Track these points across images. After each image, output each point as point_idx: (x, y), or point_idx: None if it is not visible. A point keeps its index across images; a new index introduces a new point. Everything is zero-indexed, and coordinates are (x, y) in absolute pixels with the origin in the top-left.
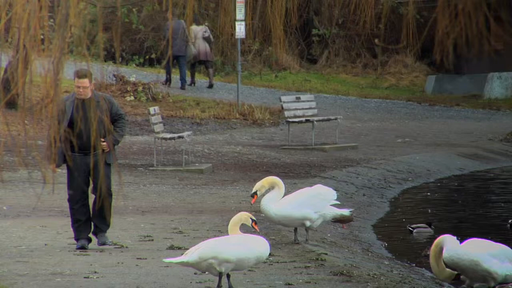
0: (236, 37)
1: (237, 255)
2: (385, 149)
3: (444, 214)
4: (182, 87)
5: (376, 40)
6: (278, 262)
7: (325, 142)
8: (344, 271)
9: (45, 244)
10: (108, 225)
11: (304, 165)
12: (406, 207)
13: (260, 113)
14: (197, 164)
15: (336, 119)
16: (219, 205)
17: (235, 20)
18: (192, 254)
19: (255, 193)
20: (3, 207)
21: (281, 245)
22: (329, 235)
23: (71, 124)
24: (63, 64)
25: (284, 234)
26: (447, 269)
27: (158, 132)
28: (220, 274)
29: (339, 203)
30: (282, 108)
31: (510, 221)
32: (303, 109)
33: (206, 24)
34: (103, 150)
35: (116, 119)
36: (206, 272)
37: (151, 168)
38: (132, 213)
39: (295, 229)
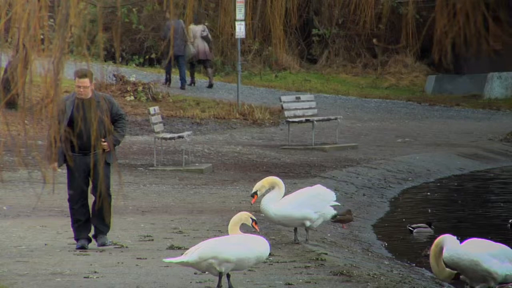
0: (236, 37)
1: (237, 255)
2: (385, 149)
3: (444, 214)
4: (182, 87)
5: (374, 40)
6: (278, 262)
7: (325, 142)
8: (344, 271)
9: (45, 244)
10: (108, 226)
11: (304, 165)
12: (406, 207)
13: (260, 113)
14: (197, 164)
15: (336, 119)
16: (219, 205)
17: (235, 20)
18: (192, 254)
19: (255, 193)
20: (3, 207)
21: (281, 245)
22: (329, 235)
23: (71, 123)
24: (63, 64)
25: (284, 234)
26: (447, 269)
27: (158, 132)
28: (220, 274)
29: (339, 204)
30: (282, 108)
31: (510, 221)
32: (303, 109)
33: (206, 24)
34: (103, 150)
35: (116, 119)
36: (206, 272)
37: (151, 168)
38: (132, 213)
39: (295, 229)
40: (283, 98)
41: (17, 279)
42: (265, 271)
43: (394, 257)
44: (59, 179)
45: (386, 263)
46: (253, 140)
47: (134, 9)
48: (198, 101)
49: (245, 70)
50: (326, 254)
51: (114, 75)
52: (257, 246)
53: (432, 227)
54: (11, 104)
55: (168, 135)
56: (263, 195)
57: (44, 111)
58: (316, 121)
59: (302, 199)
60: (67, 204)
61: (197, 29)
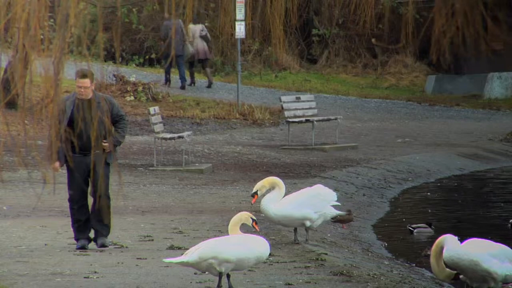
0: (236, 37)
1: (237, 255)
2: (385, 149)
3: (444, 214)
4: (182, 87)
5: (373, 40)
6: (278, 262)
7: (325, 142)
8: (344, 271)
9: (45, 244)
10: (108, 228)
11: (304, 165)
12: (406, 207)
13: (260, 113)
14: (197, 164)
15: (336, 119)
16: (219, 205)
17: (235, 20)
18: (192, 254)
19: (256, 193)
20: (3, 207)
21: (281, 245)
22: (329, 235)
23: (71, 124)
24: (63, 64)
25: (284, 234)
26: (447, 269)
27: (158, 132)
28: (220, 274)
29: (339, 204)
30: (282, 108)
31: (510, 221)
32: (303, 109)
33: (206, 24)
34: (103, 150)
35: (117, 120)
36: (206, 272)
37: (151, 168)
38: (132, 213)
39: (295, 229)
40: (283, 98)
41: (17, 279)
42: (265, 271)
43: (394, 257)
44: (59, 179)
45: (386, 263)
46: (253, 140)
47: (134, 9)
48: (198, 101)
49: (245, 70)
50: (326, 254)
51: (114, 75)
52: (257, 246)
53: (433, 227)
54: (11, 104)
55: (168, 135)
56: (263, 195)
57: (44, 111)
58: (316, 121)
59: (302, 199)
60: (67, 204)
61: (196, 29)
